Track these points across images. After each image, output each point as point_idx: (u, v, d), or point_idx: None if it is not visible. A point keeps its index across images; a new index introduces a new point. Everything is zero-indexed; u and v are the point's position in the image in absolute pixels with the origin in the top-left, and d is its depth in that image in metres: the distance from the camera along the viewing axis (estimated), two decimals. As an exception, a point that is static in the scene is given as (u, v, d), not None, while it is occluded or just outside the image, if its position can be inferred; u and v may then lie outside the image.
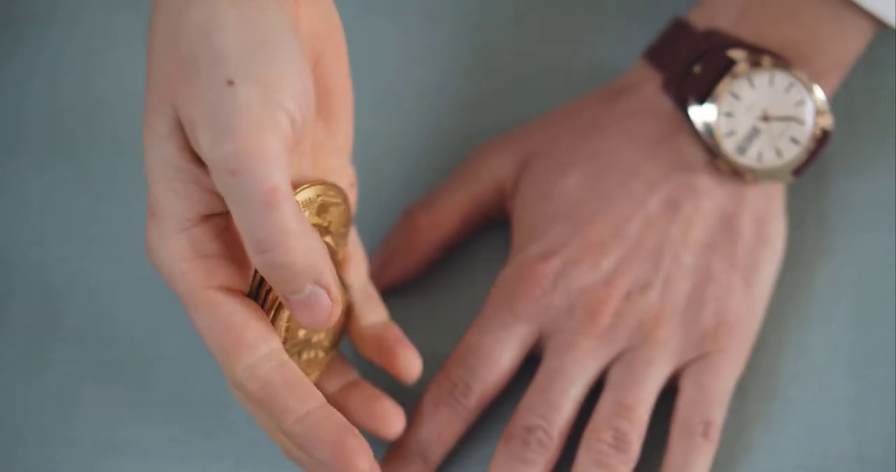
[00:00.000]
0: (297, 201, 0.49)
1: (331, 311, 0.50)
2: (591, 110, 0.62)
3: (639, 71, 0.63)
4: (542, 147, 0.62)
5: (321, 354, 0.56)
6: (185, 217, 0.50)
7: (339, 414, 0.50)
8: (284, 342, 0.53)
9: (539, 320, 0.58)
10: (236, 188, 0.47)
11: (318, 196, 0.53)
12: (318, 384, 0.56)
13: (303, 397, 0.50)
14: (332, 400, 0.56)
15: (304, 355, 0.55)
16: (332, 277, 0.49)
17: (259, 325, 0.50)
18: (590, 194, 0.60)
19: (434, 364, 0.59)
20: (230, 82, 0.47)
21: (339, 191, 0.54)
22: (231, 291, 0.51)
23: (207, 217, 0.50)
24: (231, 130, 0.47)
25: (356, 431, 0.50)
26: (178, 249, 0.50)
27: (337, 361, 0.58)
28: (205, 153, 0.47)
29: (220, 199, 0.50)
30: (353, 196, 0.56)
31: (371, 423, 0.56)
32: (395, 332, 0.57)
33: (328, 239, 0.54)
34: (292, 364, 0.51)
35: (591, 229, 0.59)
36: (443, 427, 0.57)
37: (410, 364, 0.57)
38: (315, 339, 0.55)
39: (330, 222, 0.54)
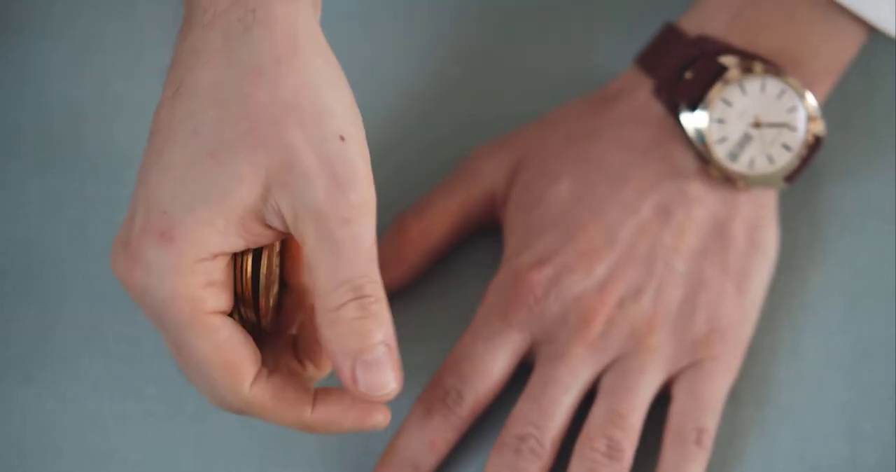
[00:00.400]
0: None
1: (391, 380, 0.50)
2: (582, 116, 0.62)
3: (630, 76, 0.62)
4: (533, 153, 0.62)
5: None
6: (212, 250, 0.49)
7: (337, 388, 0.51)
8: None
9: (532, 328, 0.58)
10: (345, 237, 0.48)
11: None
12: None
13: (305, 389, 0.51)
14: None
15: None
16: (396, 347, 0.50)
17: (250, 340, 0.51)
18: (581, 201, 0.60)
19: (426, 372, 0.59)
20: (342, 138, 0.48)
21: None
22: (224, 314, 0.51)
23: (223, 252, 0.50)
24: (354, 181, 0.48)
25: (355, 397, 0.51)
26: (194, 277, 0.49)
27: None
28: (310, 201, 0.48)
29: (244, 241, 0.50)
30: None
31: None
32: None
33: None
34: (277, 374, 0.52)
35: (584, 236, 0.59)
36: (435, 436, 0.57)
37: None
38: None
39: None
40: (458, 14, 0.67)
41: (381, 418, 0.52)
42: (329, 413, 0.51)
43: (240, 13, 0.50)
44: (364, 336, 0.49)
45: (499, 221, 0.62)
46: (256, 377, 0.51)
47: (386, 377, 0.49)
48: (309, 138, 0.48)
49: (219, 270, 0.50)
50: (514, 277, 0.59)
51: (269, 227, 0.50)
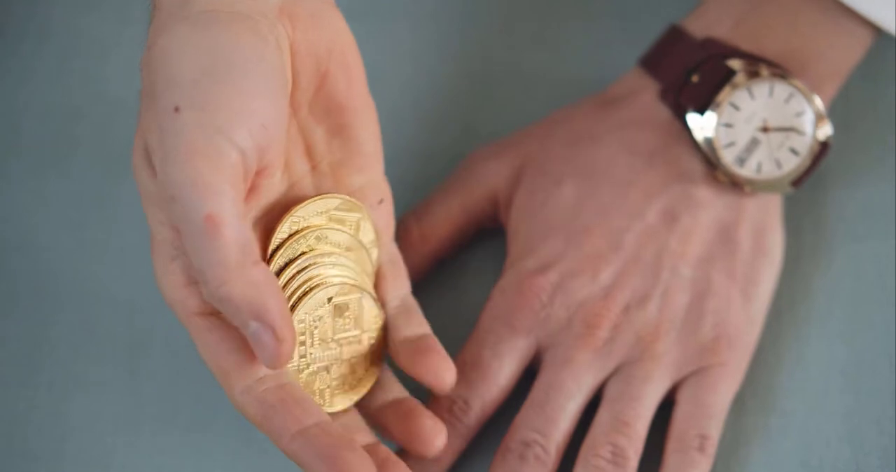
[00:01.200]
0: (245, 233, 0.47)
1: (277, 352, 0.47)
2: (585, 119, 0.61)
3: (634, 79, 0.62)
4: (536, 156, 0.61)
5: (360, 371, 0.55)
6: (175, 245, 0.50)
7: (338, 430, 0.50)
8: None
9: (537, 334, 0.57)
10: (176, 214, 0.47)
11: (326, 210, 0.53)
12: (360, 403, 0.55)
13: (299, 415, 0.50)
14: (373, 417, 0.55)
15: (334, 372, 0.54)
16: (281, 316, 0.47)
17: (246, 346, 0.50)
18: (586, 205, 0.59)
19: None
20: (176, 109, 0.47)
21: (354, 204, 0.54)
22: (219, 315, 0.50)
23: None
24: (171, 156, 0.46)
25: (356, 445, 0.49)
26: (173, 276, 0.50)
27: (384, 378, 0.56)
28: (160, 178, 0.47)
29: None
30: (384, 211, 0.56)
31: (408, 440, 0.54)
32: (429, 342, 0.55)
33: (351, 253, 0.54)
34: (293, 385, 0.51)
35: (589, 241, 0.58)
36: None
37: (440, 372, 0.54)
38: (347, 355, 0.55)
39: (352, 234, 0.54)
40: (460, 16, 0.67)
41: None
42: (301, 454, 0.49)
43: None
44: (233, 318, 0.48)
45: (501, 224, 0.62)
46: (251, 387, 0.50)
47: (266, 353, 0.48)
48: (155, 112, 0.47)
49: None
50: (519, 282, 0.58)
51: None
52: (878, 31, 0.60)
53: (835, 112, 0.63)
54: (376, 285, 0.56)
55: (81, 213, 0.63)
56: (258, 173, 0.50)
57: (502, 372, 0.57)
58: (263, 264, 0.48)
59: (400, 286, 0.56)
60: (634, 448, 0.56)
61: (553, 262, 0.58)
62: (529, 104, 0.65)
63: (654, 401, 0.57)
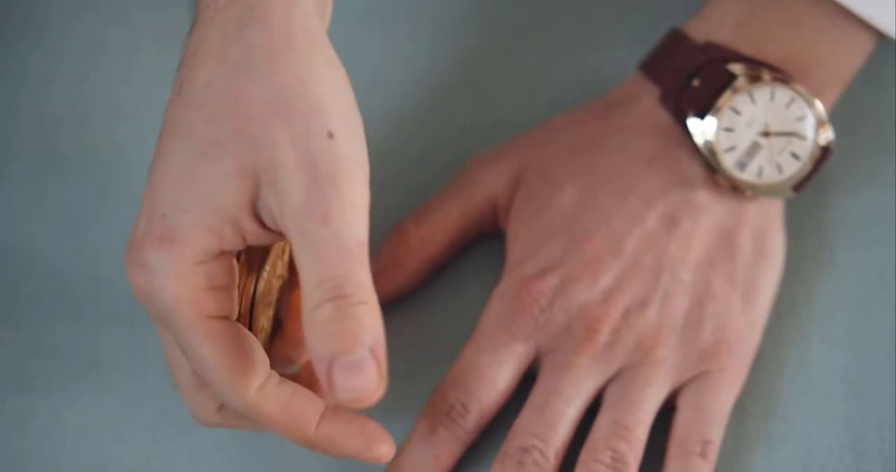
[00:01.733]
0: None
1: (374, 387, 0.46)
2: (586, 123, 0.61)
3: (635, 83, 0.62)
4: (536, 160, 0.61)
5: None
6: (210, 252, 0.49)
7: (346, 411, 0.50)
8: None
9: (536, 339, 0.57)
10: (325, 236, 0.46)
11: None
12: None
13: (316, 402, 0.50)
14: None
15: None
16: (384, 354, 0.47)
17: (258, 347, 0.50)
18: (586, 210, 0.59)
19: (428, 383, 0.58)
20: (330, 135, 0.47)
21: None
22: (229, 319, 0.50)
23: (223, 253, 0.49)
24: (333, 178, 0.47)
25: (368, 420, 0.50)
26: (195, 279, 0.49)
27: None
28: (293, 199, 0.47)
29: (242, 240, 0.49)
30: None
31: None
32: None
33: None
34: (287, 381, 0.51)
35: (589, 245, 0.58)
36: (440, 450, 0.56)
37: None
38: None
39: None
40: (460, 18, 0.67)
41: (386, 450, 0.51)
42: (333, 433, 0.50)
43: (238, 11, 0.49)
44: (341, 338, 0.46)
45: (500, 228, 0.61)
46: (264, 384, 0.49)
47: (364, 382, 0.46)
48: (294, 135, 0.47)
49: (221, 272, 0.49)
50: (518, 286, 0.58)
51: (265, 226, 0.49)
52: (880, 35, 0.60)
53: (837, 117, 0.63)
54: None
55: (79, 216, 0.63)
56: None
57: (501, 377, 0.57)
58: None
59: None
60: (634, 453, 0.56)
61: (553, 266, 0.58)
62: (529, 108, 0.65)
63: (654, 406, 0.57)
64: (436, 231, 0.61)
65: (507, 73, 0.66)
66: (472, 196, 0.61)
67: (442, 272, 0.62)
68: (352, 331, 0.46)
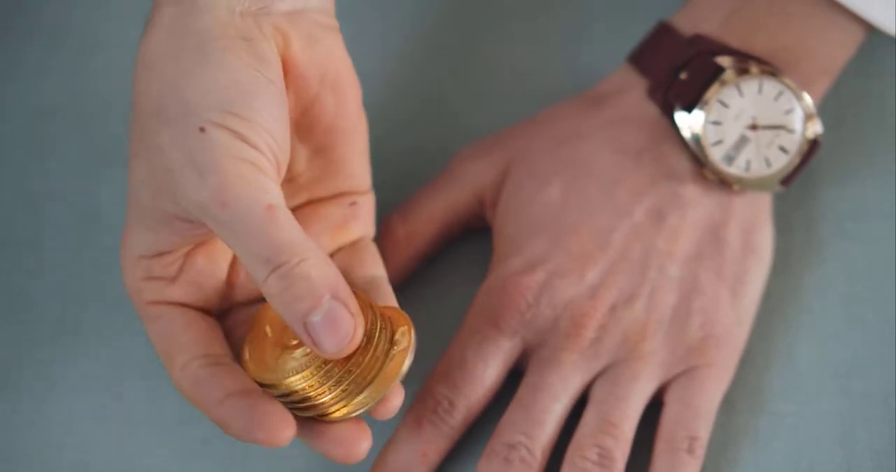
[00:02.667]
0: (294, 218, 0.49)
1: (353, 327, 0.49)
2: (573, 117, 0.61)
3: (622, 76, 0.61)
4: (523, 154, 0.60)
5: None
6: (146, 250, 0.52)
7: (261, 393, 0.50)
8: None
9: (523, 334, 0.57)
10: (232, 218, 0.48)
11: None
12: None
13: (227, 384, 0.50)
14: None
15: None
16: (349, 292, 0.49)
17: (195, 331, 0.52)
18: (573, 204, 0.58)
19: (414, 378, 0.58)
20: (202, 129, 0.49)
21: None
22: (175, 304, 0.52)
23: (165, 253, 0.52)
24: (212, 167, 0.48)
25: (276, 404, 0.50)
26: (137, 269, 0.52)
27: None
28: (190, 196, 0.49)
29: (180, 238, 0.52)
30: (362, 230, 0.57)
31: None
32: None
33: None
34: (226, 361, 0.51)
35: (575, 240, 0.58)
36: (427, 447, 0.56)
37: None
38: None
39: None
40: (446, 13, 0.66)
41: (267, 435, 0.49)
42: (226, 415, 0.50)
43: (150, 12, 0.52)
44: (300, 303, 0.48)
45: (486, 223, 0.61)
46: (187, 364, 0.51)
47: (342, 330, 0.48)
48: (173, 138, 0.49)
49: (160, 266, 0.52)
50: (505, 282, 0.57)
51: (192, 223, 0.50)
52: (869, 27, 0.60)
53: (826, 109, 0.62)
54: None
55: (62, 212, 0.62)
56: None
57: (487, 373, 0.56)
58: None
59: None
60: (621, 450, 0.56)
61: (539, 261, 0.57)
62: (517, 102, 0.64)
63: (641, 402, 0.57)
64: (422, 226, 0.60)
65: (493, 69, 0.65)
66: (459, 191, 0.61)
67: (429, 267, 0.61)
68: (306, 291, 0.48)
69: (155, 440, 0.58)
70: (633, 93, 0.60)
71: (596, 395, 0.57)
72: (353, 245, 0.56)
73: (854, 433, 0.58)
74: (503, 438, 0.56)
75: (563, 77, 0.65)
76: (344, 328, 0.49)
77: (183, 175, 0.49)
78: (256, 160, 0.49)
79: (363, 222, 0.57)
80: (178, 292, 0.53)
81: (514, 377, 0.57)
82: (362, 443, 0.51)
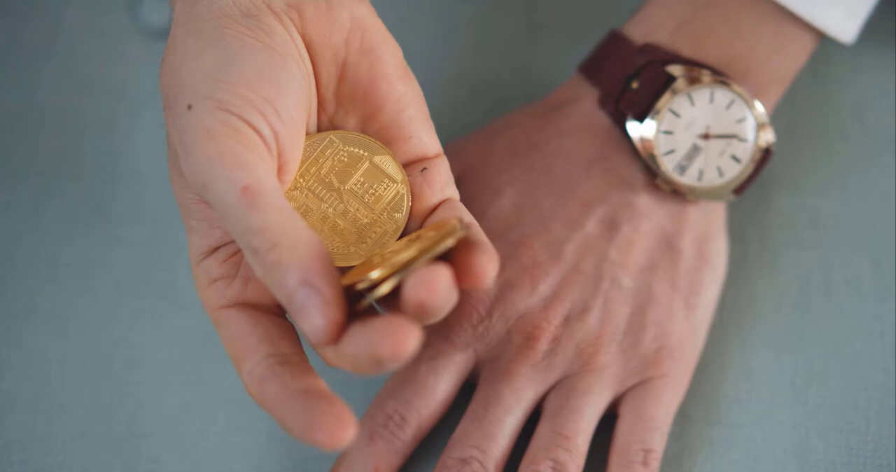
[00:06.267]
0: (285, 201, 0.47)
1: (323, 316, 0.46)
2: (525, 127, 0.60)
3: (574, 86, 0.61)
4: (476, 165, 0.60)
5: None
6: (200, 251, 0.51)
7: (322, 392, 0.47)
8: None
9: (475, 347, 0.56)
10: (213, 199, 0.47)
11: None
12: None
13: (289, 382, 0.48)
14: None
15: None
16: (325, 276, 0.46)
17: (262, 331, 0.50)
18: (525, 215, 0.58)
19: (366, 393, 0.57)
20: (189, 107, 0.48)
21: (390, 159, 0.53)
22: (242, 306, 0.51)
23: (217, 248, 0.51)
24: (192, 146, 0.47)
25: (336, 401, 0.47)
26: (201, 277, 0.51)
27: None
28: (187, 179, 0.48)
29: (220, 230, 0.51)
30: (428, 176, 0.54)
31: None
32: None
33: None
34: (296, 360, 0.49)
35: (528, 252, 0.57)
36: (378, 461, 0.55)
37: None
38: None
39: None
40: (398, 25, 0.66)
41: (321, 437, 0.46)
42: (290, 415, 0.47)
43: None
44: (277, 288, 0.46)
45: (440, 234, 0.60)
46: (252, 368, 0.49)
47: (314, 320, 0.45)
48: (172, 121, 0.49)
49: (216, 265, 0.51)
50: (457, 294, 0.57)
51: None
52: (821, 35, 0.59)
53: (780, 117, 0.62)
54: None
55: (13, 225, 0.62)
56: (279, 169, 0.50)
57: (440, 387, 0.56)
58: (310, 229, 0.47)
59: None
60: (575, 463, 0.55)
61: (491, 273, 0.57)
62: (469, 112, 0.64)
63: (595, 415, 0.56)
64: (375, 238, 0.60)
65: (447, 79, 0.65)
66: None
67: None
68: (278, 279, 0.46)
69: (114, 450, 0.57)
70: (585, 102, 0.60)
71: (550, 408, 0.56)
72: (438, 206, 0.53)
73: (809, 444, 0.57)
74: (456, 452, 0.55)
75: (515, 87, 0.65)
76: (312, 319, 0.46)
77: (179, 158, 0.48)
78: (238, 131, 0.47)
79: (438, 188, 0.53)
80: (240, 292, 0.51)
81: (467, 390, 0.57)
82: (413, 334, 0.46)
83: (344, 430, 0.46)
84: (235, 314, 0.50)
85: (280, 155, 0.49)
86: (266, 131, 0.48)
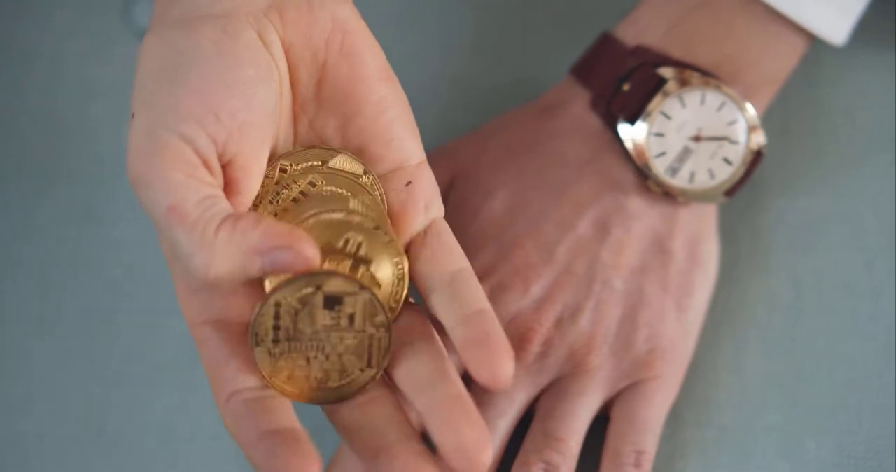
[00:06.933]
0: (217, 213, 0.47)
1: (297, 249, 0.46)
2: (517, 129, 0.60)
3: (566, 88, 0.61)
4: (469, 167, 0.60)
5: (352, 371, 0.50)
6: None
7: (296, 435, 0.47)
8: None
9: (467, 350, 0.56)
10: (149, 216, 0.47)
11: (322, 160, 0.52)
12: None
13: (263, 423, 0.47)
14: None
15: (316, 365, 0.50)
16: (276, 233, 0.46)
17: (241, 357, 0.48)
18: (517, 217, 0.58)
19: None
20: (133, 115, 0.47)
21: (356, 162, 0.52)
22: (222, 324, 0.49)
23: None
24: (128, 163, 0.47)
25: (307, 450, 0.46)
26: (177, 288, 0.50)
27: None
28: None
29: None
30: (415, 189, 0.53)
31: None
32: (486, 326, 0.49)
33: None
34: (266, 399, 0.48)
35: (520, 253, 0.57)
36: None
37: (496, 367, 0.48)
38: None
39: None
40: (390, 26, 0.66)
41: None
42: (259, 457, 0.47)
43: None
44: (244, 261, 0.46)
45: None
46: (228, 399, 0.48)
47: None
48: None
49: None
50: (449, 296, 0.57)
51: None
52: (812, 37, 0.60)
53: (773, 119, 0.62)
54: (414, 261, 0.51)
55: (3, 227, 0.62)
56: (227, 166, 0.49)
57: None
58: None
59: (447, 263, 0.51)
60: (567, 465, 0.55)
61: (483, 275, 0.57)
62: (465, 114, 0.64)
63: (587, 416, 0.56)
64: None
65: (439, 81, 0.65)
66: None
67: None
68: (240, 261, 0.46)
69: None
70: (577, 105, 0.60)
71: (542, 410, 0.56)
72: (425, 234, 0.52)
73: (800, 445, 0.57)
74: (448, 455, 0.55)
75: (507, 89, 0.65)
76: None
77: None
78: (167, 150, 0.47)
79: (423, 207, 0.52)
80: (222, 305, 0.50)
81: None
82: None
83: (309, 468, 0.46)
84: (215, 336, 0.49)
85: (231, 161, 0.49)
86: (201, 142, 0.47)
